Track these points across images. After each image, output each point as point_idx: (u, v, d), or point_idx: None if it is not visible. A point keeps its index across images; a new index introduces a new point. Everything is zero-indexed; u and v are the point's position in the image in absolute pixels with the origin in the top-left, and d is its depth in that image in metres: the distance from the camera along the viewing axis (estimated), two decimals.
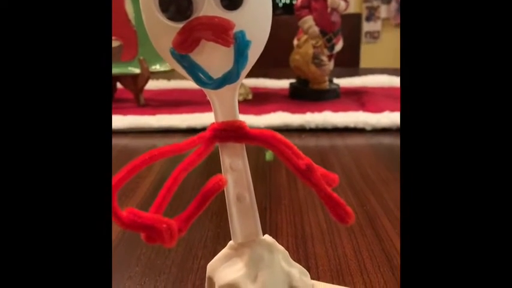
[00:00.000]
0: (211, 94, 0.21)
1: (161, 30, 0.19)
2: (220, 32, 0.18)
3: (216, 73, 0.19)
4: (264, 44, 0.20)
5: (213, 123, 0.22)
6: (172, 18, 0.18)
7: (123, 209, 0.19)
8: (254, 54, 0.19)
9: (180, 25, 0.18)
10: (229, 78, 0.19)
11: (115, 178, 0.19)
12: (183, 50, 0.18)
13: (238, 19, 0.18)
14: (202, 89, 0.20)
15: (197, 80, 0.19)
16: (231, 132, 0.21)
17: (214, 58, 0.19)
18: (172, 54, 0.19)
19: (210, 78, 0.19)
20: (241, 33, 0.18)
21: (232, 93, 0.21)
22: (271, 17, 0.19)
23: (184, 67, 0.19)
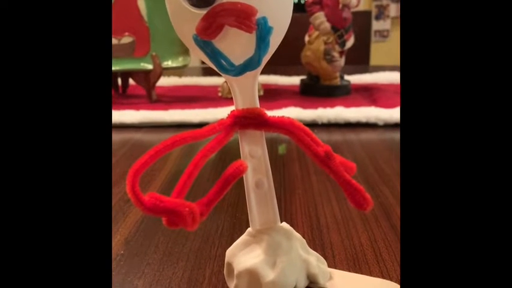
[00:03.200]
0: (232, 81, 0.21)
1: (184, 17, 0.19)
2: (243, 17, 0.18)
3: (238, 60, 0.20)
4: (285, 31, 0.20)
5: (233, 110, 0.22)
6: (196, 4, 0.19)
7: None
8: (275, 41, 0.20)
9: (203, 11, 0.18)
10: (251, 64, 0.20)
11: (138, 163, 0.20)
12: (206, 36, 0.19)
13: (260, 5, 0.18)
14: (223, 75, 0.21)
15: (219, 66, 0.20)
16: (251, 119, 0.22)
17: (236, 45, 0.19)
18: (195, 40, 0.19)
19: (232, 65, 0.20)
20: (264, 20, 0.18)
21: (252, 81, 0.21)
22: (292, 3, 0.19)
23: (206, 54, 0.19)
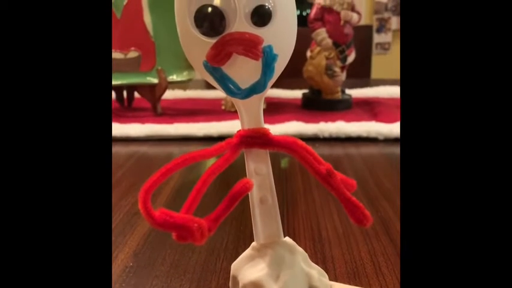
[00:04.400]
0: (238, 103, 0.22)
1: (195, 45, 0.20)
2: (250, 46, 0.19)
3: (245, 84, 0.21)
4: (289, 57, 0.21)
5: (240, 130, 0.23)
6: (206, 33, 0.20)
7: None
8: (280, 66, 0.21)
9: (213, 40, 0.20)
10: (257, 88, 0.21)
11: (149, 181, 0.21)
12: (215, 63, 0.20)
13: (266, 35, 0.20)
14: (231, 98, 0.22)
15: (227, 90, 0.21)
16: (256, 138, 0.23)
17: (243, 70, 0.21)
18: (205, 66, 0.20)
19: (239, 88, 0.21)
20: (269, 48, 0.20)
21: (258, 103, 0.22)
22: (296, 32, 0.21)
23: (216, 78, 0.21)
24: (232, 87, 0.21)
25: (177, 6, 0.20)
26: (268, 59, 0.20)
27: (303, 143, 0.23)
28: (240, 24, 0.19)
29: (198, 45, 0.20)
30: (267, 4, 0.20)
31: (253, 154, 0.23)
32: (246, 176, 0.23)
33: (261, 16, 0.20)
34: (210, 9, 0.19)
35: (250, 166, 0.23)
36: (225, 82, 0.21)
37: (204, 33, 0.20)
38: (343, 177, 0.24)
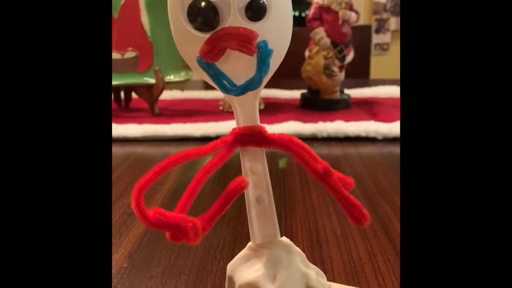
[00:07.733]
0: (233, 100, 0.22)
1: (188, 40, 0.20)
2: (244, 41, 0.19)
3: (240, 80, 0.20)
4: (285, 52, 0.21)
5: (235, 128, 0.23)
6: (200, 28, 0.19)
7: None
8: (275, 62, 0.20)
9: (206, 35, 0.19)
10: (252, 85, 0.20)
11: (142, 179, 0.20)
12: (209, 58, 0.19)
13: (261, 29, 0.19)
14: (226, 95, 0.21)
15: (221, 86, 0.20)
16: (251, 136, 0.22)
17: (238, 66, 0.20)
18: (199, 62, 0.20)
19: (233, 85, 0.20)
20: (264, 43, 0.19)
21: (253, 100, 0.22)
22: (291, 27, 0.20)
23: (209, 74, 0.20)
24: (226, 83, 0.20)
25: (170, 1, 0.20)
26: (263, 54, 0.19)
27: (300, 141, 0.23)
28: (234, 18, 0.19)
29: (191, 41, 0.20)
30: None
31: (249, 152, 0.23)
32: (241, 174, 0.23)
33: (256, 10, 0.19)
34: (203, 3, 0.19)
35: (246, 164, 0.23)
36: (219, 78, 0.20)
37: (198, 28, 0.19)
38: (340, 175, 0.23)
